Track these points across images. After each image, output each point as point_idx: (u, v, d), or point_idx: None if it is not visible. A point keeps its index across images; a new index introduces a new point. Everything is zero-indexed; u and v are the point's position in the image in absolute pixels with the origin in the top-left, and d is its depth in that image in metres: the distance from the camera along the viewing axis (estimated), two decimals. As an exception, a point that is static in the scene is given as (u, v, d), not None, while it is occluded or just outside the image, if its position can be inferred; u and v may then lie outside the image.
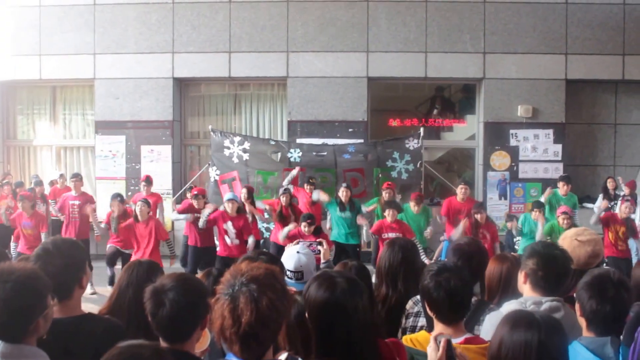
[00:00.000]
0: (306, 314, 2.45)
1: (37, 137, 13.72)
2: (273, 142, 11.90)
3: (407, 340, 2.97)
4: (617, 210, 9.67)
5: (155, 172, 12.19)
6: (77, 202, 10.17)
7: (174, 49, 12.66)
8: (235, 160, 11.74)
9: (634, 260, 9.42)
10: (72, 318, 2.80)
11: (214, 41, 12.65)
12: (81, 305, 2.93)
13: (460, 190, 10.30)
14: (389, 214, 8.93)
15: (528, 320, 2.36)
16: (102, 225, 9.80)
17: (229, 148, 11.77)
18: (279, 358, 2.37)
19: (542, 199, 10.25)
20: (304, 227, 8.60)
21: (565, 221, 8.72)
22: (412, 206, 9.89)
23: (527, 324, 2.34)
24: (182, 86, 13.24)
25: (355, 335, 2.31)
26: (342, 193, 9.78)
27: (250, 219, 9.43)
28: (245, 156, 11.70)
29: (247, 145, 11.73)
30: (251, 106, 13.36)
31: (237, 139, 11.80)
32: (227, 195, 9.71)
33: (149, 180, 10.73)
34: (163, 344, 2.43)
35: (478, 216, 9.14)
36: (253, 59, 12.60)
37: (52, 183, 12.13)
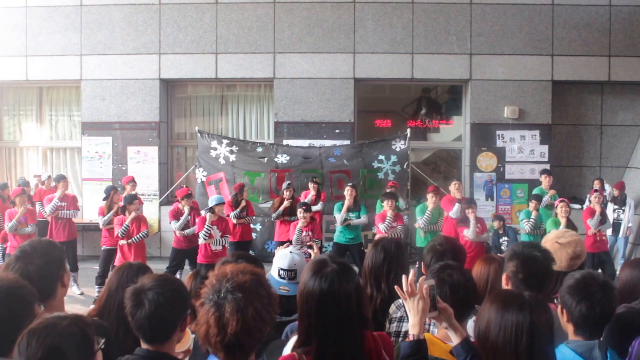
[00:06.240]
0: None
1: (23, 139, 13.64)
2: (260, 149, 11.86)
3: None
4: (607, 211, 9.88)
5: (141, 174, 12.18)
6: (63, 204, 10.08)
7: (160, 50, 12.63)
8: (222, 161, 11.73)
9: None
10: (56, 319, 2.76)
11: (200, 42, 12.62)
12: (64, 307, 2.92)
13: (453, 187, 10.39)
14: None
15: (519, 302, 2.37)
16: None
17: (215, 149, 11.77)
18: None
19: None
20: (299, 214, 9.12)
21: (563, 209, 8.96)
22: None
23: (518, 306, 2.35)
24: (169, 87, 13.20)
25: (343, 321, 2.30)
26: (347, 192, 9.92)
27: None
28: (232, 157, 11.69)
29: (234, 147, 11.73)
30: (238, 107, 13.35)
31: (224, 141, 11.80)
32: (212, 198, 9.57)
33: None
34: (143, 345, 2.42)
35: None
36: (240, 60, 12.59)
37: (37, 184, 11.97)
